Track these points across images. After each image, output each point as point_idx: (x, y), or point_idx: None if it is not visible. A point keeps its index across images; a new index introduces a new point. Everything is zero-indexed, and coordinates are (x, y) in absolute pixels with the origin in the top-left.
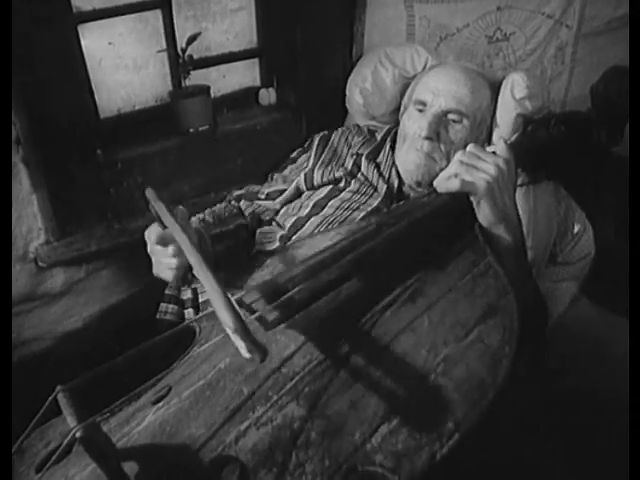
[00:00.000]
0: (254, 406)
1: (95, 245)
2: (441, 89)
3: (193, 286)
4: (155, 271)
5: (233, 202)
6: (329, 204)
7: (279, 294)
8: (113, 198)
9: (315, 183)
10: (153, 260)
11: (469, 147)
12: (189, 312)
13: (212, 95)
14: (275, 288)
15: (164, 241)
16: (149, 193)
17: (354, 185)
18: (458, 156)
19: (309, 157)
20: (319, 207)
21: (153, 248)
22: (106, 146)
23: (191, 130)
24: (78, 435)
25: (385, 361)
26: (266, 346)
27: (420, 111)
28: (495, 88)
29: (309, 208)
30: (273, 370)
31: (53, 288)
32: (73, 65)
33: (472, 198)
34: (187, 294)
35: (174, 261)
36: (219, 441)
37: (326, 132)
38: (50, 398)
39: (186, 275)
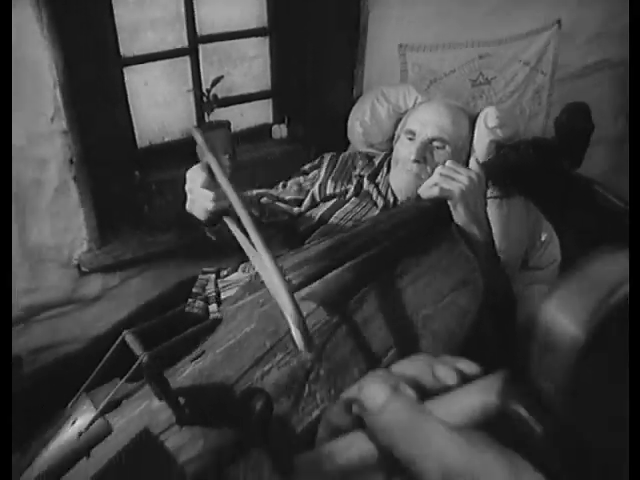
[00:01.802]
0: (275, 353)
1: (130, 254)
2: (427, 120)
3: (217, 287)
4: (189, 207)
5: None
6: (335, 214)
7: (300, 268)
8: (146, 213)
9: (328, 193)
10: (190, 197)
11: (447, 162)
12: (213, 307)
13: (232, 129)
14: (296, 264)
15: (209, 186)
16: (196, 133)
17: (356, 200)
18: (438, 169)
19: (320, 171)
20: (327, 216)
21: (195, 188)
22: (142, 170)
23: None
24: (144, 360)
25: (378, 320)
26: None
27: (410, 139)
28: (473, 120)
29: (317, 217)
30: (290, 329)
31: (90, 293)
32: (118, 101)
33: (449, 202)
34: (212, 292)
35: (212, 205)
36: (248, 379)
37: (335, 153)
38: (117, 341)
39: (217, 219)
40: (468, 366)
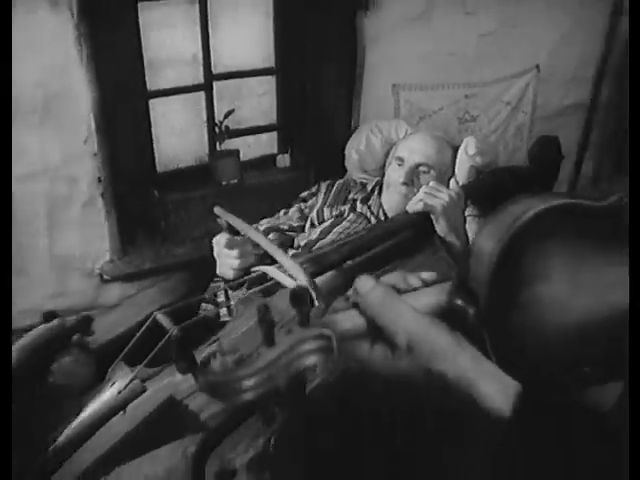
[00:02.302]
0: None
1: (147, 264)
2: (415, 148)
3: (226, 291)
4: (219, 271)
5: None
6: (333, 231)
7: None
8: (163, 229)
9: (325, 217)
10: (219, 262)
11: (431, 183)
12: (223, 311)
13: (240, 157)
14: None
15: (231, 245)
16: (218, 210)
17: (352, 217)
18: (423, 188)
19: (318, 198)
20: (325, 233)
21: (221, 251)
22: (160, 190)
23: (224, 183)
24: (174, 333)
25: None
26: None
27: (399, 164)
28: (455, 148)
29: (317, 234)
30: None
31: (109, 301)
32: (142, 129)
33: (432, 216)
34: (221, 298)
35: (237, 262)
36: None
37: (330, 181)
38: (149, 321)
39: (241, 275)
40: (430, 276)
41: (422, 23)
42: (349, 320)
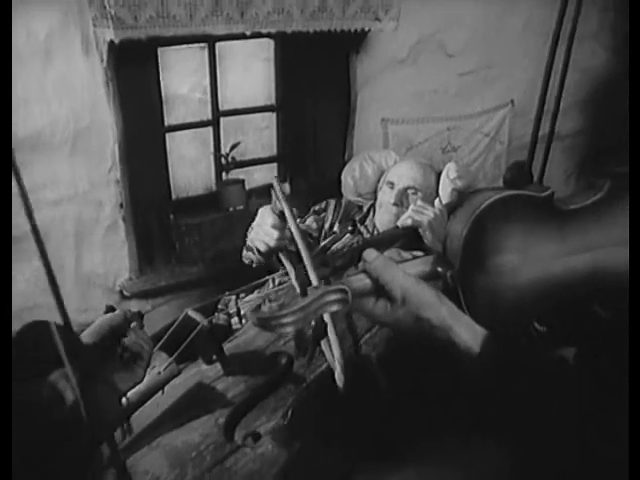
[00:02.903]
0: None
1: (163, 282)
2: (403, 174)
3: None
4: (251, 238)
5: None
6: (334, 246)
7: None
8: (177, 250)
9: (335, 230)
10: (255, 231)
11: (418, 202)
12: (234, 320)
13: (245, 186)
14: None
15: (277, 227)
16: (277, 186)
17: (350, 235)
18: (411, 206)
19: (328, 214)
20: (327, 248)
21: (265, 226)
22: (175, 215)
23: (231, 209)
24: (205, 324)
25: None
26: None
27: (390, 188)
28: (438, 173)
29: (319, 249)
30: None
31: None
32: (160, 160)
33: (420, 230)
34: (233, 309)
35: (273, 242)
36: (273, 347)
37: (336, 199)
38: (181, 316)
39: (272, 255)
40: (418, 252)
41: (408, 64)
42: (360, 281)
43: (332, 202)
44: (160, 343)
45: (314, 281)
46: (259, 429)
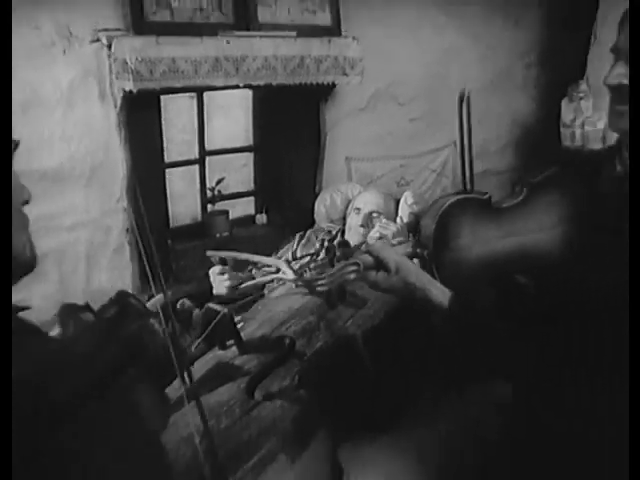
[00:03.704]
0: (290, 320)
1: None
2: (368, 201)
3: None
4: (215, 291)
5: None
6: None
7: None
8: (174, 270)
9: (298, 255)
10: (215, 284)
11: (383, 220)
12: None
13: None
14: None
15: (222, 272)
16: (209, 252)
17: (321, 255)
18: (378, 224)
19: (293, 243)
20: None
21: (215, 277)
22: (173, 240)
23: (217, 235)
24: (225, 312)
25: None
26: None
27: (357, 213)
28: (397, 200)
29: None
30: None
31: None
32: (160, 192)
33: (385, 241)
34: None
35: (228, 282)
36: (277, 332)
37: (302, 232)
38: (203, 309)
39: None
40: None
41: (367, 112)
42: (366, 258)
43: (298, 235)
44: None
45: (282, 267)
46: (273, 389)
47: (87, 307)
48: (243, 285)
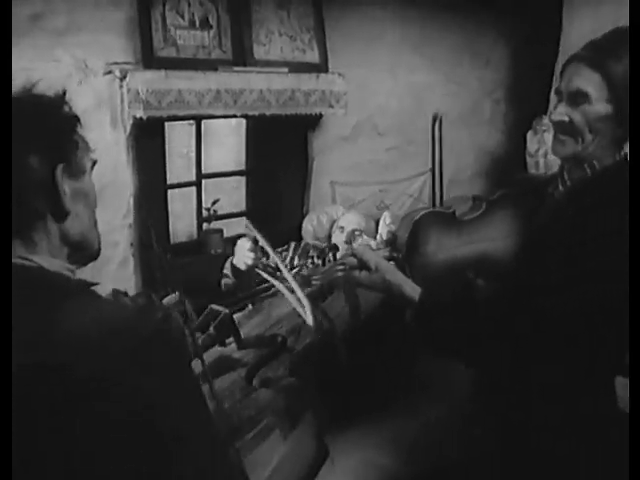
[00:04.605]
0: (281, 322)
1: None
2: (351, 220)
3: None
4: (235, 261)
5: None
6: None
7: None
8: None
9: (294, 265)
10: (237, 255)
11: (364, 238)
12: None
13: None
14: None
15: (252, 249)
16: (248, 224)
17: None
18: (359, 240)
19: (289, 252)
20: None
21: (243, 249)
22: (173, 255)
23: (212, 252)
24: (226, 312)
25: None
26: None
27: (341, 231)
28: (377, 220)
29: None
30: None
31: None
32: (162, 213)
33: None
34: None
35: (251, 261)
36: (271, 330)
37: (294, 242)
38: (206, 311)
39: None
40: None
41: (350, 141)
42: (351, 260)
43: (293, 243)
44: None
45: (290, 280)
46: (269, 377)
47: (125, 293)
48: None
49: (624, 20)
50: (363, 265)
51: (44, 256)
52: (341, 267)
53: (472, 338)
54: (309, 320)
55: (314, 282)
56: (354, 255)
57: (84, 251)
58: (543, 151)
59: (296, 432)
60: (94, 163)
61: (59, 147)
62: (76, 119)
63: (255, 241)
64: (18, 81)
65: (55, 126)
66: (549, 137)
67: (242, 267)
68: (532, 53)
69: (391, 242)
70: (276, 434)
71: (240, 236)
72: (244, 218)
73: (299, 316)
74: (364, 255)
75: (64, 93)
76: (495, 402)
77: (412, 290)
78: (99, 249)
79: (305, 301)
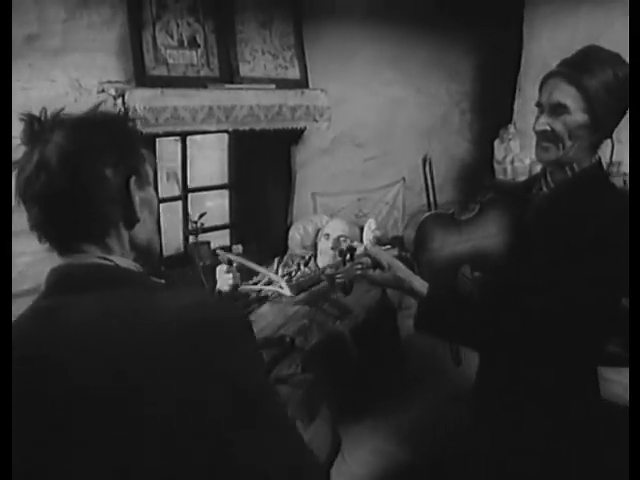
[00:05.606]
0: (287, 323)
1: None
2: (336, 227)
3: None
4: (219, 286)
5: None
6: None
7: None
8: None
9: (279, 274)
10: (219, 280)
11: (354, 243)
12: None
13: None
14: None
15: (228, 271)
16: (219, 251)
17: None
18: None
19: (273, 266)
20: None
21: (222, 274)
22: (166, 267)
23: (200, 264)
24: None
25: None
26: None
27: (327, 238)
28: (361, 227)
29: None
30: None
31: None
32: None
33: None
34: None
35: (231, 281)
36: (279, 332)
37: (280, 256)
38: None
39: (235, 289)
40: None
41: (330, 153)
42: (366, 260)
43: (276, 259)
44: None
45: (276, 279)
46: (283, 374)
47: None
48: (242, 287)
49: (580, 38)
50: (376, 264)
51: (117, 257)
52: (359, 266)
53: (473, 327)
54: (287, 292)
55: (338, 279)
56: (369, 255)
57: (148, 256)
58: (510, 158)
59: (314, 424)
60: (155, 175)
61: (130, 160)
62: (140, 134)
63: (229, 262)
64: (17, 100)
65: (125, 141)
66: (515, 145)
67: (225, 289)
68: (496, 66)
69: (399, 243)
70: (299, 424)
71: (222, 248)
72: (228, 230)
73: (304, 318)
74: (377, 255)
75: (127, 110)
76: (487, 392)
77: (421, 285)
78: (161, 254)
79: (281, 281)
